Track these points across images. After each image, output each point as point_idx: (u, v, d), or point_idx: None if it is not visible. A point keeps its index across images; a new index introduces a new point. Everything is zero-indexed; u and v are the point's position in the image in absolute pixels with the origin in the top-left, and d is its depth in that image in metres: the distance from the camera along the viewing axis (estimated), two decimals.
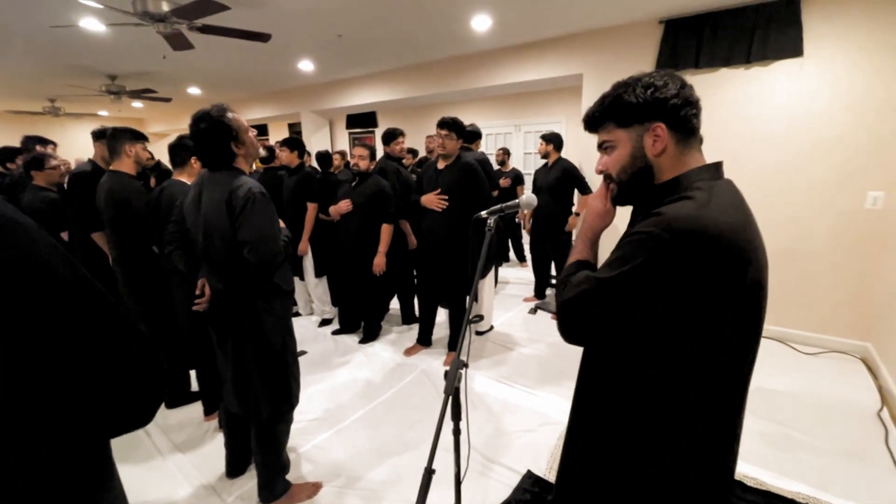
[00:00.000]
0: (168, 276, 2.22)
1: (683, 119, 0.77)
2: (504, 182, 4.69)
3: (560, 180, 3.71)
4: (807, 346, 3.11)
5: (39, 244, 0.51)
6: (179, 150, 2.19)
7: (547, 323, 3.70)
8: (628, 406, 0.81)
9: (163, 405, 2.46)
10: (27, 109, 6.97)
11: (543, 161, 3.89)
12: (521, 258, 5.67)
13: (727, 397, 0.77)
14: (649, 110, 0.77)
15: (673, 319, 0.71)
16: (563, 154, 3.88)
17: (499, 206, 1.24)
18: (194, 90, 6.58)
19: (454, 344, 3.07)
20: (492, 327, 3.55)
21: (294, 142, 3.43)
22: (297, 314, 4.01)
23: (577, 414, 0.95)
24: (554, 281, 4.22)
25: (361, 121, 7.35)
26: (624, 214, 0.92)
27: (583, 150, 4.05)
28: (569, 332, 0.83)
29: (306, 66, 5.10)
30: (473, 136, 3.66)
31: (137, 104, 7.85)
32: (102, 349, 0.54)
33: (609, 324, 0.76)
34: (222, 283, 1.56)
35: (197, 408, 2.46)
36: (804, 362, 2.92)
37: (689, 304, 0.69)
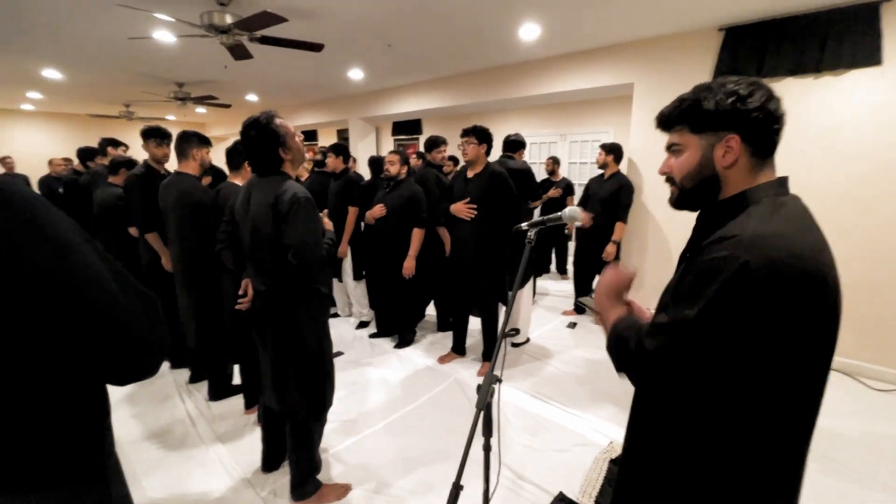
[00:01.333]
0: (223, 273, 2.32)
1: (762, 134, 0.73)
2: (554, 192, 4.60)
3: (614, 194, 3.56)
4: (878, 382, 2.82)
5: (38, 208, 0.56)
6: (235, 155, 2.31)
7: (585, 338, 3.58)
8: (692, 441, 0.75)
9: (207, 397, 2.59)
10: (105, 113, 7.63)
11: (599, 172, 3.76)
12: (563, 270, 5.54)
13: (798, 429, 0.71)
14: (726, 119, 0.74)
15: (753, 348, 0.66)
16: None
17: (540, 219, 1.22)
18: (252, 97, 6.96)
19: (488, 354, 3.03)
20: (528, 339, 3.48)
21: (339, 148, 3.55)
22: (336, 315, 4.11)
23: (633, 442, 0.90)
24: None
25: (407, 128, 7.49)
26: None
27: (632, 158, 3.91)
28: (646, 382, 0.82)
29: (356, 74, 5.27)
30: (516, 145, 3.62)
31: (201, 110, 8.41)
32: (106, 304, 0.59)
33: (691, 365, 0.71)
34: (265, 284, 1.61)
35: (238, 401, 2.56)
36: (875, 399, 2.66)
37: (770, 330, 0.65)
